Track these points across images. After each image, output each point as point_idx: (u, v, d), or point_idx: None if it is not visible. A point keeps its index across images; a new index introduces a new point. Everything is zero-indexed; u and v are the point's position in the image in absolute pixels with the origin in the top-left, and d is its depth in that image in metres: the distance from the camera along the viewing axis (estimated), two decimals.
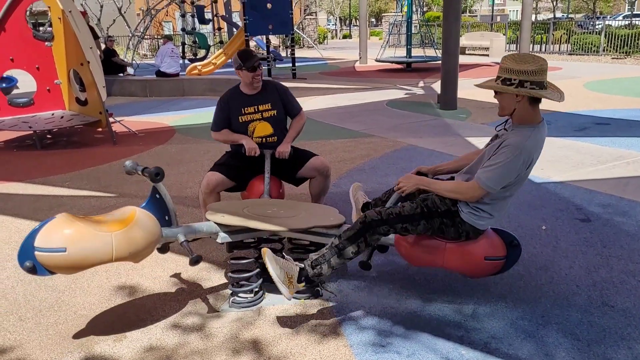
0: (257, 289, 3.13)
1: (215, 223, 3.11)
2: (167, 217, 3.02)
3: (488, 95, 10.69)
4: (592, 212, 4.33)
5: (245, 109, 3.87)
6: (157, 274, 3.53)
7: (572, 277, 3.28)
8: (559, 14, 51.83)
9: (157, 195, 3.01)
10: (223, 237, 3.10)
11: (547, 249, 3.69)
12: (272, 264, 2.76)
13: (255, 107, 3.88)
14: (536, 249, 3.69)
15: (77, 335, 2.85)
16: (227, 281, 3.35)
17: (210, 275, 3.48)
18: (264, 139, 3.90)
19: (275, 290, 3.23)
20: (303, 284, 2.87)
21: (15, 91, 12.25)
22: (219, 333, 2.83)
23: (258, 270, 3.16)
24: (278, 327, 2.88)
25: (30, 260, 2.55)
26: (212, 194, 3.67)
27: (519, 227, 4.07)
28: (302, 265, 2.87)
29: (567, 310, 2.92)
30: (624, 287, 3.14)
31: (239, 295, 3.11)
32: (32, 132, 7.51)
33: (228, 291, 3.20)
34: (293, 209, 3.39)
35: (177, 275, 3.51)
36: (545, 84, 2.57)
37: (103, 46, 13.96)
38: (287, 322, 2.92)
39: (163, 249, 3.12)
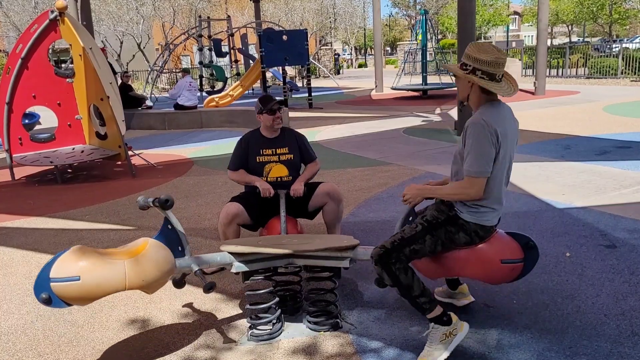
0: (275, 321, 3.09)
1: (229, 253, 3.09)
2: (180, 248, 3.02)
3: None
4: (617, 238, 4.22)
5: (264, 150, 3.99)
6: (175, 307, 3.50)
7: (600, 306, 3.18)
8: (575, 38, 51.78)
9: (169, 226, 3.01)
10: (238, 267, 3.08)
11: (573, 277, 3.59)
12: (433, 356, 2.67)
13: (273, 149, 4.00)
14: (561, 277, 3.60)
15: None
16: (244, 313, 3.31)
17: (228, 308, 3.45)
18: (279, 179, 3.97)
19: (293, 323, 3.21)
20: (452, 317, 2.73)
21: (37, 127, 12.49)
22: None
23: (276, 302, 3.12)
24: (295, 359, 2.83)
25: (46, 292, 2.56)
26: (231, 225, 3.65)
27: (542, 255, 3.96)
28: (431, 324, 2.73)
29: (595, 341, 2.82)
30: None
31: (257, 328, 3.07)
32: (53, 166, 7.62)
33: (246, 323, 3.16)
34: (307, 238, 3.35)
35: (194, 308, 3.48)
36: (498, 77, 2.64)
37: (119, 81, 14.24)
38: (305, 354, 2.87)
39: (179, 284, 3.11)
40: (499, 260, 2.78)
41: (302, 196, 3.85)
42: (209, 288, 2.90)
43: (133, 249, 2.78)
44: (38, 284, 2.57)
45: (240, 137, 4.11)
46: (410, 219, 3.09)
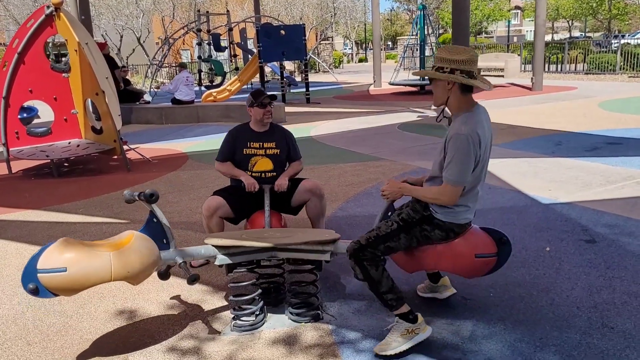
0: (258, 313, 3.18)
1: (212, 246, 3.18)
2: (165, 241, 3.10)
3: (500, 117, 10.70)
4: (597, 233, 4.31)
5: (251, 143, 4.06)
6: (162, 298, 3.60)
7: (574, 299, 3.27)
8: (577, 33, 51.71)
9: (155, 220, 3.10)
10: (221, 259, 3.17)
11: (550, 271, 3.68)
12: (391, 346, 2.76)
13: (261, 143, 4.07)
14: (539, 271, 3.68)
15: (81, 359, 2.92)
16: (228, 304, 3.40)
17: (213, 299, 3.54)
18: (262, 174, 4.04)
19: (276, 314, 3.30)
20: (418, 317, 2.82)
21: (36, 120, 12.60)
22: (217, 356, 2.88)
23: (259, 293, 3.21)
24: (275, 349, 2.92)
25: (33, 282, 2.65)
26: (213, 218, 3.74)
27: (523, 250, 4.07)
28: (396, 318, 2.83)
29: (566, 332, 2.91)
30: (625, 309, 3.12)
31: (240, 318, 3.16)
32: (49, 160, 7.71)
33: (230, 315, 3.25)
34: (290, 232, 3.45)
35: (180, 300, 3.57)
36: (475, 75, 2.71)
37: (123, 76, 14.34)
38: (285, 344, 2.96)
39: (164, 275, 3.19)
40: (473, 254, 2.89)
41: (286, 191, 3.94)
42: (192, 280, 3.00)
43: (119, 241, 2.87)
44: (25, 275, 2.67)
45: (230, 129, 4.18)
46: (390, 214, 3.18)
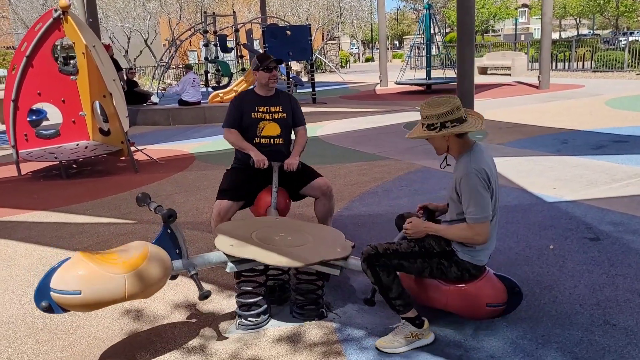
0: (263, 311, 3.21)
1: (224, 253, 3.17)
2: (177, 251, 3.10)
3: (505, 116, 10.70)
4: (602, 231, 4.31)
5: (258, 107, 4.08)
6: (169, 297, 3.65)
7: (576, 297, 3.29)
8: (585, 31, 51.44)
9: (169, 230, 3.09)
10: (231, 267, 3.15)
11: (554, 269, 3.70)
12: (392, 345, 2.85)
13: (268, 107, 4.09)
14: (542, 269, 3.70)
15: (90, 358, 2.97)
16: (235, 304, 3.44)
17: (219, 298, 3.59)
18: (271, 139, 4.07)
19: (280, 312, 3.34)
20: (424, 323, 2.88)
21: (45, 123, 12.71)
22: (222, 353, 2.92)
23: (264, 293, 3.24)
24: (279, 346, 2.96)
25: (46, 300, 2.65)
26: (223, 221, 3.77)
27: (527, 248, 4.09)
28: (402, 321, 2.89)
29: (568, 329, 2.93)
30: (628, 306, 3.13)
31: (245, 317, 3.19)
32: (58, 162, 7.80)
33: (235, 313, 3.29)
34: (300, 233, 3.42)
35: (187, 299, 3.62)
36: (464, 117, 2.80)
37: (125, 77, 14.42)
38: (289, 342, 3.00)
39: (172, 277, 3.22)
40: (485, 304, 2.88)
41: (295, 171, 3.95)
42: (204, 297, 2.97)
43: (132, 259, 2.78)
44: (39, 292, 2.65)
45: (234, 96, 4.19)
46: (397, 241, 3.15)
